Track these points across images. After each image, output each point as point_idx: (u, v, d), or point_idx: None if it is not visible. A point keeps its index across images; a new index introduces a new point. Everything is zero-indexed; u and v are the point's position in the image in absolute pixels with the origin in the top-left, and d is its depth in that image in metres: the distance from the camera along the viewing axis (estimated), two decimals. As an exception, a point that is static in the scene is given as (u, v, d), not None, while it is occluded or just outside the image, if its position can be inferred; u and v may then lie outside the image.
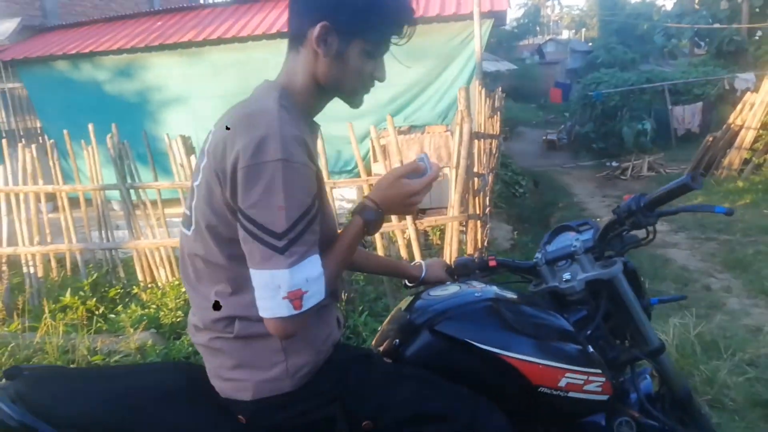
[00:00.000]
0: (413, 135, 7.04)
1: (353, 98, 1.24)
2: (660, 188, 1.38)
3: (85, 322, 3.50)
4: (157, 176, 4.75)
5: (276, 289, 1.04)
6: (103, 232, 4.72)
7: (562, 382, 1.36)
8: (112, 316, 3.69)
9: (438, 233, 5.16)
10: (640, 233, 1.50)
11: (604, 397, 1.42)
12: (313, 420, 1.20)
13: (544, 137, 17.47)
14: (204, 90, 7.96)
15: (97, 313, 3.76)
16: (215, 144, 1.11)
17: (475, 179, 4.01)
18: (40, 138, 8.63)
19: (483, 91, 4.84)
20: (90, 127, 4.46)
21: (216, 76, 7.89)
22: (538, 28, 42.69)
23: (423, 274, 1.61)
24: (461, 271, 1.67)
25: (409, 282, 1.64)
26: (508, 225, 6.82)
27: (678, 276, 4.70)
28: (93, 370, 1.67)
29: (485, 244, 4.30)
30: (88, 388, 1.19)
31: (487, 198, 5.24)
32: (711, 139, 10.10)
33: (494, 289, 1.53)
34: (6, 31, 8.80)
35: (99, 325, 3.52)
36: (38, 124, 8.86)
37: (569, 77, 27.72)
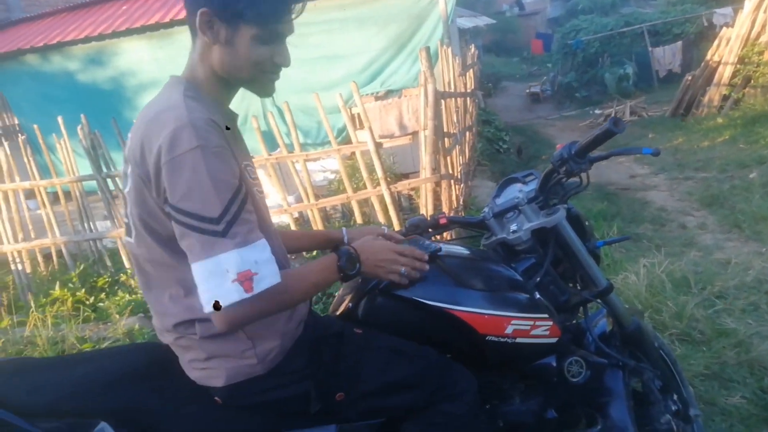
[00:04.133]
0: (391, 100, 6.99)
1: (255, 86, 1.21)
2: (587, 136, 1.42)
3: (73, 313, 3.55)
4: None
5: (224, 274, 1.00)
6: (85, 223, 4.74)
7: (509, 330, 1.42)
8: (101, 304, 3.75)
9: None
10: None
11: (553, 340, 1.49)
12: (287, 397, 1.23)
13: (528, 90, 17.32)
14: (177, 72, 7.84)
15: (87, 303, 3.82)
16: (133, 148, 1.11)
17: (446, 139, 4.02)
18: (19, 135, 8.54)
19: (449, 50, 4.80)
20: (59, 119, 4.45)
21: (187, 56, 7.78)
22: (516, -21, 41.87)
23: (345, 238, 1.61)
24: (413, 231, 1.72)
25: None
26: (491, 182, 6.85)
27: (656, 217, 4.74)
28: (58, 358, 1.70)
29: (461, 203, 4.33)
30: (53, 377, 1.19)
31: (465, 157, 5.25)
32: (690, 78, 10.05)
33: (441, 246, 1.58)
34: (-30, 29, 8.64)
35: (87, 314, 3.58)
36: (16, 121, 8.77)
37: (550, 27, 27.26)
